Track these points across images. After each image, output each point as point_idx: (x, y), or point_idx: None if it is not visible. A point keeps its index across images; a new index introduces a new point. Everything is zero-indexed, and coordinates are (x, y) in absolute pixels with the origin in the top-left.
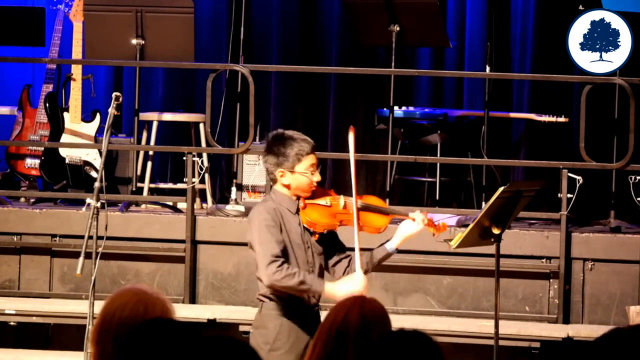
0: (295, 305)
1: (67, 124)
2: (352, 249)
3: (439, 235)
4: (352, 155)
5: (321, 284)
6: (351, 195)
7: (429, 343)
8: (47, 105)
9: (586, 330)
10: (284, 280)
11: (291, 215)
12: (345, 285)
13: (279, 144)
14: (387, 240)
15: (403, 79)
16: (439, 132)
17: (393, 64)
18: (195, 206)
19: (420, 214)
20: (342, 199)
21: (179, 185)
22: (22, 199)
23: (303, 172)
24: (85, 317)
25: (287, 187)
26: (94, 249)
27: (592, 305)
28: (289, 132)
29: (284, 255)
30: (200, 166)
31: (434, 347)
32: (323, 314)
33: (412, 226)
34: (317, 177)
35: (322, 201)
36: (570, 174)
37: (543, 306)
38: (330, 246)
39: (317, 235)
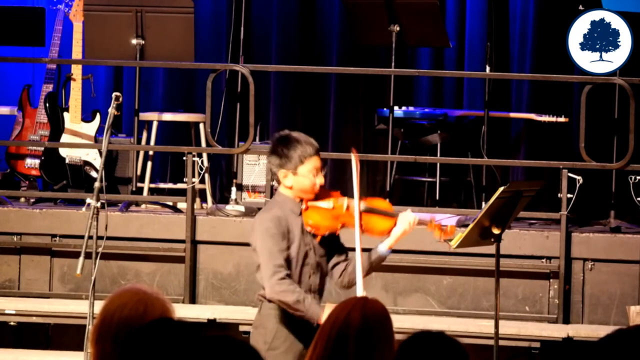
0: None
1: (67, 124)
2: (353, 249)
3: (444, 239)
4: (355, 179)
5: (318, 312)
6: (353, 197)
7: (457, 347)
8: (47, 105)
9: (586, 330)
10: (282, 294)
11: (295, 217)
12: None
13: (283, 145)
14: (380, 243)
15: (403, 79)
16: (439, 132)
17: (393, 64)
18: (195, 206)
19: (408, 213)
20: (345, 201)
21: (179, 185)
22: (22, 199)
23: (305, 174)
24: (85, 317)
25: (290, 188)
26: (94, 249)
27: (592, 305)
28: (295, 134)
29: (287, 262)
30: (200, 166)
31: (462, 351)
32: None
33: (399, 226)
34: (320, 180)
35: (325, 203)
36: (570, 174)
37: (543, 306)
38: (331, 248)
39: (319, 237)
